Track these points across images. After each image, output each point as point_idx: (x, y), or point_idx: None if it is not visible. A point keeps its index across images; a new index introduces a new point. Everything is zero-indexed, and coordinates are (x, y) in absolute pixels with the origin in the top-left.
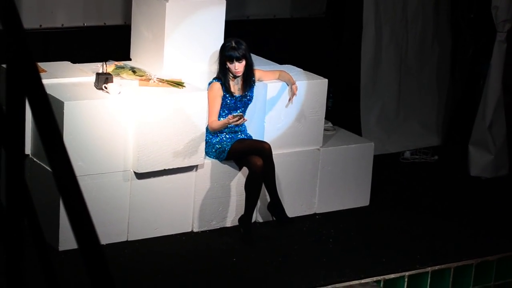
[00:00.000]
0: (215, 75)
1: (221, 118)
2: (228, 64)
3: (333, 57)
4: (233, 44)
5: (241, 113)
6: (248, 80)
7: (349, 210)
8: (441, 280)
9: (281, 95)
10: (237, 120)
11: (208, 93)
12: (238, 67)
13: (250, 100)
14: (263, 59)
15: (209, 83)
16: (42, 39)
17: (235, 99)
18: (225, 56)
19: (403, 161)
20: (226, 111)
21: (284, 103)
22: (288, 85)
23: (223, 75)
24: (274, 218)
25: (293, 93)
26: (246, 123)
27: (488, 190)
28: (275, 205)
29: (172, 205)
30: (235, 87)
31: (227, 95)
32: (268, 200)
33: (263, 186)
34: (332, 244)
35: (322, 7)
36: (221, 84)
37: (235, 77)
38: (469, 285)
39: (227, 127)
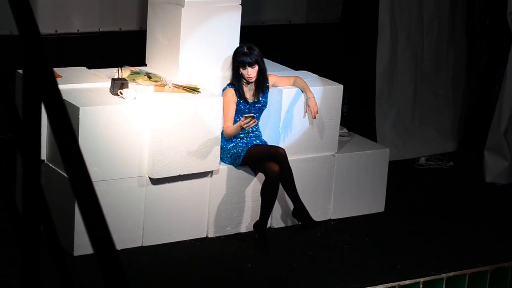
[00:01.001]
0: (229, 81)
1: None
2: (241, 70)
3: (348, 62)
4: (245, 50)
5: (252, 114)
6: (261, 85)
7: (364, 216)
8: (456, 286)
9: (296, 101)
10: (249, 122)
11: (222, 99)
12: (251, 72)
13: (265, 105)
14: (278, 64)
15: (223, 89)
16: (58, 44)
17: (249, 105)
18: (238, 62)
19: (418, 167)
20: (240, 117)
21: (299, 109)
22: (303, 93)
23: (236, 81)
24: (300, 223)
25: (313, 109)
26: (261, 129)
27: (503, 197)
28: (299, 210)
29: (187, 211)
30: (249, 93)
31: (241, 101)
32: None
33: (283, 192)
34: (346, 250)
35: (338, 13)
36: (235, 90)
37: (248, 82)
38: None
39: (241, 132)
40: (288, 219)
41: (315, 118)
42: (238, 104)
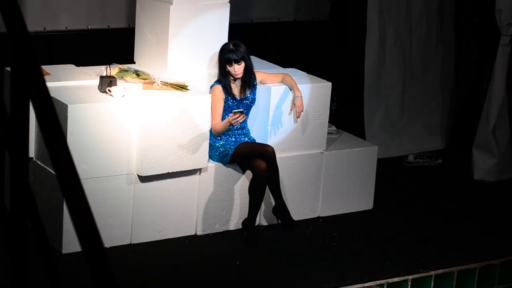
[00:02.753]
0: (216, 78)
1: None
2: (228, 66)
3: (337, 60)
4: (231, 47)
5: (241, 109)
6: (248, 82)
7: (353, 213)
8: (444, 283)
9: (285, 99)
10: (237, 117)
11: (210, 96)
12: (237, 69)
13: (253, 102)
14: (267, 62)
15: (211, 86)
16: (46, 42)
17: (237, 101)
18: (224, 58)
19: (406, 164)
20: (228, 114)
21: (288, 107)
22: (291, 91)
23: (223, 78)
24: (280, 222)
25: (298, 109)
26: (249, 126)
27: (491, 194)
28: (281, 209)
29: (175, 208)
30: (236, 89)
31: (229, 98)
32: (272, 203)
33: (267, 189)
34: (335, 247)
35: (326, 10)
36: (223, 86)
37: (235, 79)
38: None
39: (230, 130)
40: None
41: (299, 117)
42: (226, 101)
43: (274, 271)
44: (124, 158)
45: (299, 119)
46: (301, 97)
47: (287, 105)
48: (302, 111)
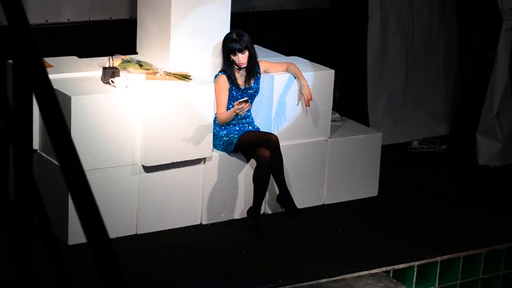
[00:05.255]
0: (219, 68)
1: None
2: (232, 56)
3: (340, 47)
4: (235, 36)
5: (246, 98)
6: (252, 71)
7: (358, 200)
8: (450, 269)
9: (289, 87)
10: (243, 106)
11: (214, 86)
12: (241, 58)
13: (257, 92)
14: (270, 51)
15: (215, 76)
16: (48, 34)
17: (242, 91)
18: (228, 48)
19: (411, 150)
20: (233, 104)
21: (291, 95)
22: (295, 79)
23: (227, 68)
24: (283, 210)
25: (307, 97)
26: (253, 115)
27: (496, 179)
28: (284, 197)
29: (180, 198)
30: (241, 79)
31: (233, 87)
32: (277, 191)
33: (272, 177)
34: (340, 234)
35: None
36: (227, 76)
37: (239, 68)
38: (478, 274)
39: (235, 118)
40: None
41: (308, 106)
42: (230, 91)
43: (280, 259)
44: (128, 149)
45: (308, 108)
46: (308, 86)
47: (290, 94)
48: (311, 99)
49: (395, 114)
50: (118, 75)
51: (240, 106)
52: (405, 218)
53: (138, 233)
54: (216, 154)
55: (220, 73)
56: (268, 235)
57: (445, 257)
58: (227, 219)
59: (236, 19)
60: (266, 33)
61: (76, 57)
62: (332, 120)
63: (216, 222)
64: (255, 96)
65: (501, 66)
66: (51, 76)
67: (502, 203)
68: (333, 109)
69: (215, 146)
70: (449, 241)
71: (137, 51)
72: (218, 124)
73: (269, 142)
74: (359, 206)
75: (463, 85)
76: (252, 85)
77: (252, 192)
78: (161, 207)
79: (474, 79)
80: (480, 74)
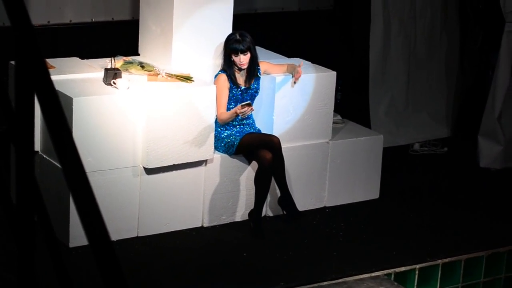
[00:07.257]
0: (220, 68)
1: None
2: (233, 56)
3: (342, 49)
4: (238, 37)
5: (249, 101)
6: (253, 72)
7: (359, 203)
8: (452, 272)
9: (290, 89)
10: (245, 110)
11: (215, 85)
12: (243, 59)
13: (257, 92)
14: (272, 52)
15: (215, 76)
16: (51, 35)
17: (241, 91)
18: (230, 48)
19: (412, 153)
20: (233, 104)
21: (293, 96)
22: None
23: (228, 68)
24: (285, 212)
25: (297, 72)
26: (254, 117)
27: (498, 181)
28: (286, 199)
29: (182, 200)
30: (241, 79)
31: (233, 87)
32: (278, 194)
33: (273, 180)
34: (342, 237)
35: (330, 0)
36: (227, 75)
37: (240, 69)
38: (480, 277)
39: (235, 120)
40: None
41: (298, 75)
42: (230, 90)
43: (281, 261)
44: (130, 151)
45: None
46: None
47: (292, 95)
48: (300, 73)
49: (396, 116)
50: (120, 77)
51: (242, 110)
52: (406, 221)
53: (139, 235)
54: (218, 156)
55: (220, 72)
56: (270, 238)
57: (447, 260)
58: (229, 221)
59: (238, 20)
60: (268, 35)
61: (78, 58)
62: (334, 122)
63: (217, 225)
64: (255, 96)
65: (503, 68)
66: (53, 77)
67: (503, 205)
68: (334, 111)
69: (216, 148)
70: (451, 244)
71: (139, 52)
72: (220, 126)
73: (271, 144)
74: (361, 208)
75: (465, 87)
76: (253, 85)
77: (254, 194)
78: (162, 209)
79: (476, 81)
80: (482, 76)
